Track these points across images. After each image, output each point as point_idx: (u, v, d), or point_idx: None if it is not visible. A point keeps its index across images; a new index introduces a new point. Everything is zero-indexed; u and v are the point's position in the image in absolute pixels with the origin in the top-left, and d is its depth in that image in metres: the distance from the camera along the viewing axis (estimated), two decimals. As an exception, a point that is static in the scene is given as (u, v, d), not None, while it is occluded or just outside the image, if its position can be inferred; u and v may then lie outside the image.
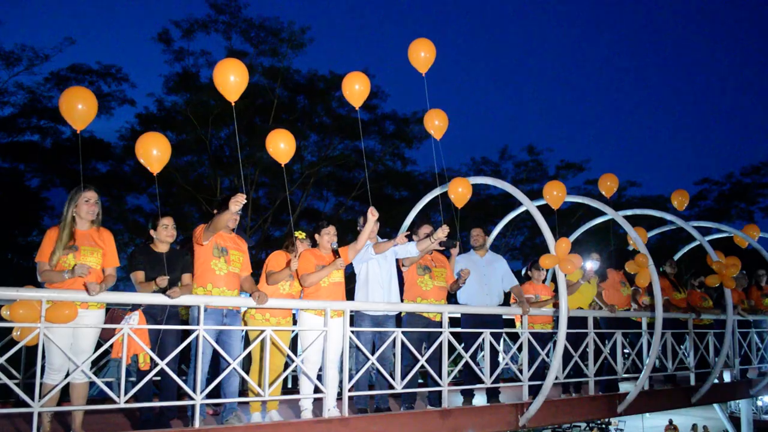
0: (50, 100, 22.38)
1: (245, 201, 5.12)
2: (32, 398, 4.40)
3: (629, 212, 9.44)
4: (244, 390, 5.73)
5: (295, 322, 6.09)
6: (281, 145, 5.89)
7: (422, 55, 6.48)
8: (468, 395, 7.08)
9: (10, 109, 22.26)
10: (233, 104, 5.50)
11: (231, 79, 5.41)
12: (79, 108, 4.76)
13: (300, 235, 6.01)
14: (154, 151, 5.07)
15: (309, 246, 6.00)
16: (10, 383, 4.49)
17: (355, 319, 6.11)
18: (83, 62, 22.93)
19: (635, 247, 8.16)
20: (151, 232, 5.29)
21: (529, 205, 6.81)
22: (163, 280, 4.95)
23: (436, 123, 6.75)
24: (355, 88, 6.29)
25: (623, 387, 8.15)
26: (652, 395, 8.47)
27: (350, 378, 5.70)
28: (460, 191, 6.77)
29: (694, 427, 20.35)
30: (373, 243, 6.30)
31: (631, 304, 8.75)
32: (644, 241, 8.37)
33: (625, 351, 8.18)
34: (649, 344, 8.00)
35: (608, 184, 8.15)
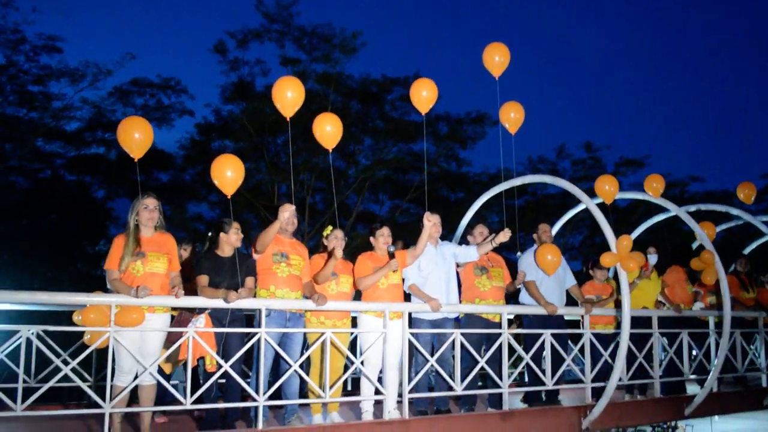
0: (114, 114, 23.06)
1: (293, 209, 5.29)
2: (104, 400, 4.58)
3: (692, 207, 9.10)
4: (304, 391, 5.79)
5: (353, 324, 6.14)
6: (327, 128, 6.00)
7: (496, 59, 6.52)
8: (530, 398, 6.99)
9: (77, 124, 23.00)
10: (288, 119, 5.67)
11: (288, 95, 5.63)
12: (135, 137, 4.96)
13: (326, 231, 5.95)
14: (228, 173, 5.25)
15: (343, 242, 5.87)
16: (83, 385, 4.69)
17: (413, 320, 6.12)
18: (144, 76, 23.57)
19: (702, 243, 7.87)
20: (222, 236, 5.37)
21: (588, 203, 6.65)
22: (232, 296, 4.98)
23: (511, 116, 6.69)
24: (423, 95, 6.37)
25: (690, 389, 7.91)
26: (721, 397, 8.18)
27: (410, 380, 5.71)
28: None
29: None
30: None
31: (695, 303, 8.45)
32: (712, 236, 8.06)
33: (692, 352, 7.92)
34: (717, 344, 7.75)
35: (654, 186, 7.74)
